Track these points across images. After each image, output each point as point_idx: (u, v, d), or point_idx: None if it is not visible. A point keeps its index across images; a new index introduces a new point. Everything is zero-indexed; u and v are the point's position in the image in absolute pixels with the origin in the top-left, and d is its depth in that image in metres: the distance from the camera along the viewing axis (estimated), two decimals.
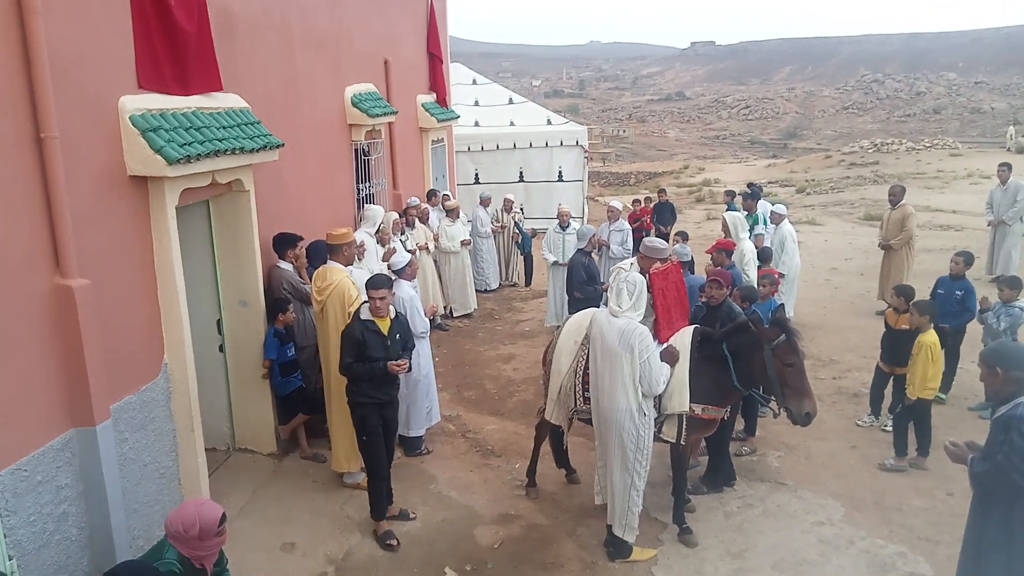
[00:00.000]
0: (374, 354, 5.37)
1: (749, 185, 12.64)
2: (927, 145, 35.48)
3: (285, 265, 6.81)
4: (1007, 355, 3.94)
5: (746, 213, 10.32)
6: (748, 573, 5.10)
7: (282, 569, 5.17)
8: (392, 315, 5.57)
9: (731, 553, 5.32)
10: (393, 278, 6.92)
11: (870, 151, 34.79)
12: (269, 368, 6.46)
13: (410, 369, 5.60)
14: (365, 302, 5.54)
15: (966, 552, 4.18)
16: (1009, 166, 11.78)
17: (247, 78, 6.36)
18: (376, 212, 8.63)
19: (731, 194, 12.80)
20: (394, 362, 5.36)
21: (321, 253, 6.56)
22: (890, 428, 6.81)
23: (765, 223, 10.30)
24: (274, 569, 5.16)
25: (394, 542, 5.46)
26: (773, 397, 5.26)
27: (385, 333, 5.44)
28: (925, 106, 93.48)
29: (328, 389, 6.22)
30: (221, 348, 6.43)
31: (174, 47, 5.09)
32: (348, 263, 6.37)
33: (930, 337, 6.36)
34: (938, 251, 13.55)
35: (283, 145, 6.20)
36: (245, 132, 5.76)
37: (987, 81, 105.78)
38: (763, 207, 11.06)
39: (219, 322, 6.38)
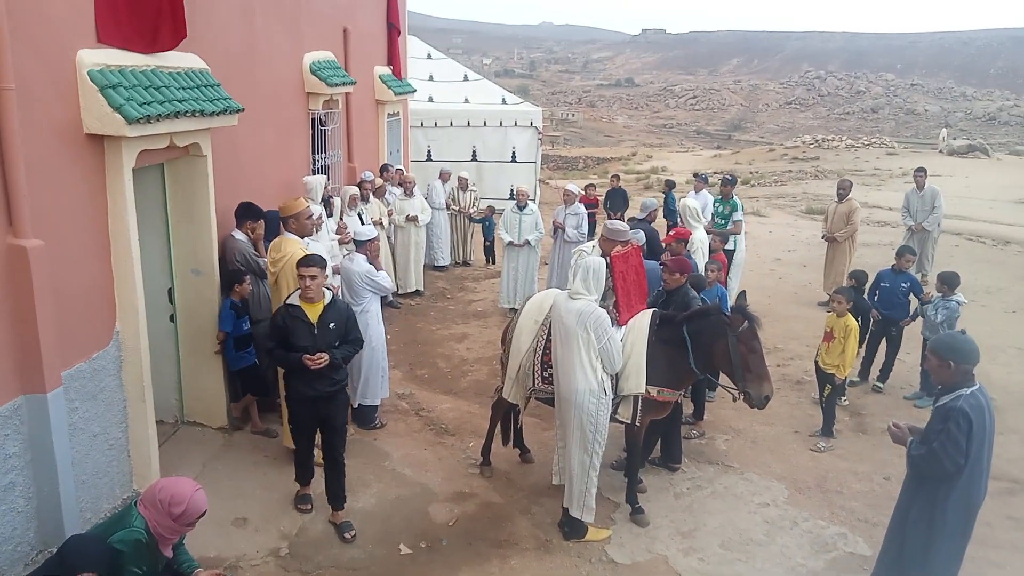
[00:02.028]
0: (298, 342, 4.89)
1: (708, 174, 12.74)
2: (865, 143, 36.66)
3: (240, 236, 6.62)
4: (959, 348, 4.14)
5: (722, 199, 10.46)
6: (697, 552, 5.24)
7: (234, 544, 5.08)
8: (327, 300, 5.07)
9: (681, 532, 5.46)
10: (346, 252, 6.85)
11: (811, 146, 35.77)
12: (223, 341, 6.30)
13: (334, 364, 5.02)
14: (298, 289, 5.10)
15: (893, 523, 4.48)
16: (924, 171, 12.12)
17: (205, 38, 6.12)
18: (314, 182, 8.00)
19: (671, 184, 12.85)
20: (309, 356, 4.84)
21: (275, 224, 6.41)
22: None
23: (734, 207, 10.39)
24: (226, 544, 5.07)
25: (351, 535, 5.22)
26: (733, 381, 5.40)
27: (313, 321, 4.95)
28: (864, 105, 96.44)
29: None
30: (172, 318, 6.25)
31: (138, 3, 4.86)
32: (303, 234, 6.18)
33: (852, 321, 6.84)
34: (876, 246, 14.05)
35: (243, 110, 6.02)
36: (205, 94, 5.57)
37: (922, 84, 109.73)
38: (705, 197, 11.19)
39: (171, 291, 6.19)
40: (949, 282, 7.52)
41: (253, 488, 5.75)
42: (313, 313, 4.97)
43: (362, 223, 8.67)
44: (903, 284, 7.85)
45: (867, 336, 7.91)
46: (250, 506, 5.51)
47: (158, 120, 4.77)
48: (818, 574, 5.03)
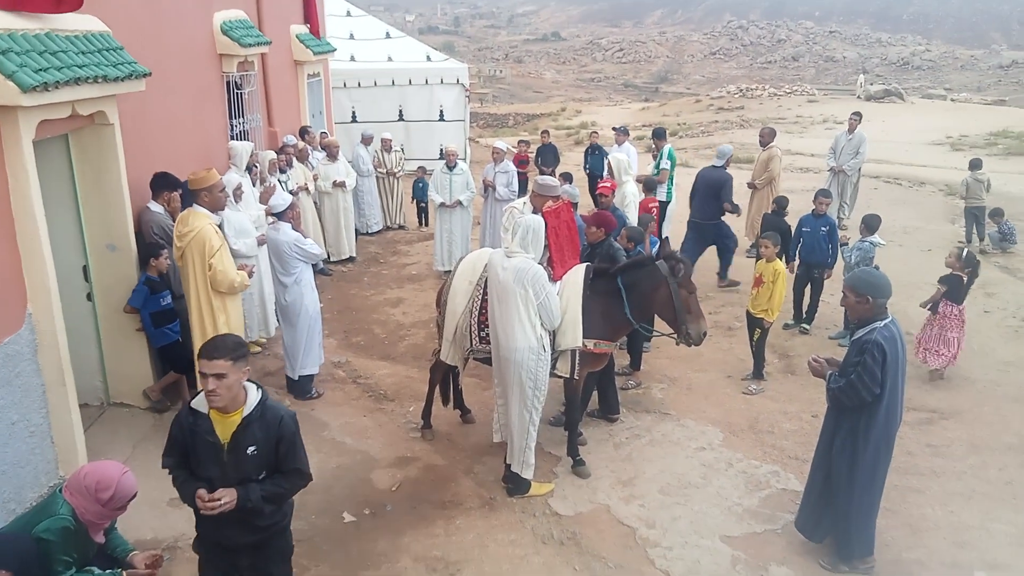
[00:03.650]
0: (201, 468, 3.31)
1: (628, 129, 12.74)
2: (787, 91, 37.39)
3: (156, 207, 6.35)
4: (874, 284, 4.35)
5: (654, 150, 10.56)
6: (638, 498, 5.37)
7: (171, 524, 4.96)
8: (249, 408, 3.32)
9: (622, 481, 5.58)
10: (271, 221, 6.63)
11: (736, 96, 36.28)
12: (137, 316, 6.04)
13: (249, 509, 3.36)
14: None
15: (817, 457, 4.71)
16: (859, 115, 12.49)
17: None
18: (239, 148, 7.80)
19: (625, 131, 12.74)
20: (207, 494, 3.23)
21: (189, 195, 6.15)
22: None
23: (672, 159, 10.46)
24: (162, 524, 4.95)
25: None
26: (672, 325, 5.56)
27: (224, 440, 3.28)
28: (785, 53, 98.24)
29: (193, 341, 5.79)
30: (89, 296, 5.97)
31: None
32: (215, 208, 5.87)
33: (780, 265, 7.04)
34: (799, 192, 14.37)
35: (150, 74, 5.71)
36: (107, 58, 5.26)
37: (840, 31, 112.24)
38: (627, 149, 11.25)
39: (85, 268, 5.90)
40: (869, 224, 7.80)
41: None
42: (224, 429, 3.29)
43: (284, 189, 8.42)
44: (823, 228, 8.09)
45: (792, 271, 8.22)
46: None
47: (56, 87, 4.49)
48: (753, 511, 5.22)
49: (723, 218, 9.80)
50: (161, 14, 6.80)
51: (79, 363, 5.57)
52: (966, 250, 7.50)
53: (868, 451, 4.40)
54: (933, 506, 5.28)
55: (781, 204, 8.87)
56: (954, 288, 7.15)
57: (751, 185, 11.03)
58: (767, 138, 11.01)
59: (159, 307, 6.10)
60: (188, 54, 7.43)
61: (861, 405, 4.34)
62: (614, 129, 12.79)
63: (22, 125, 4.46)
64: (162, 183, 6.27)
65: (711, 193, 9.73)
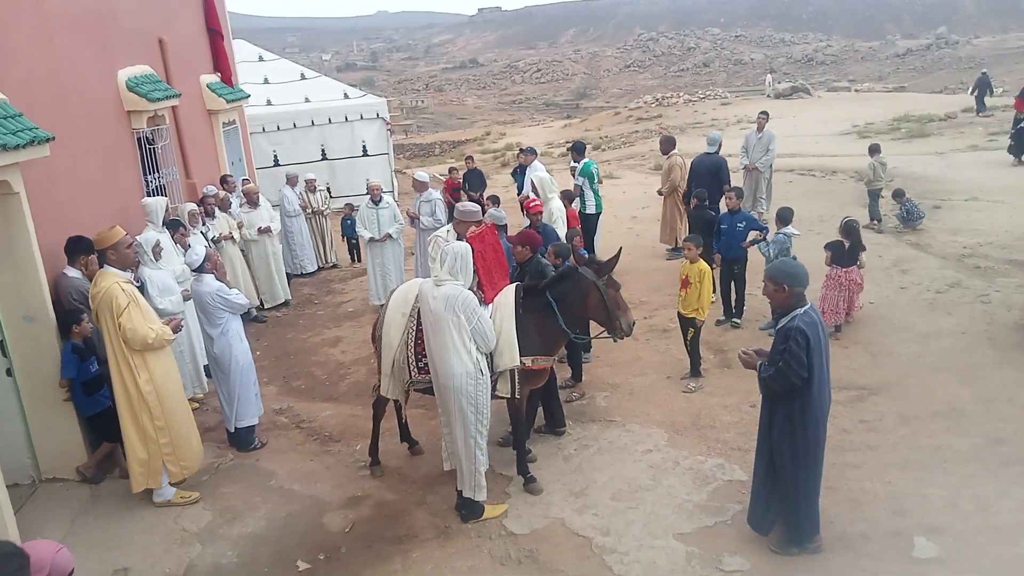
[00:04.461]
0: None
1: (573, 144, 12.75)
2: (701, 97, 38.55)
3: (73, 272, 6.17)
4: (792, 273, 4.55)
5: (575, 165, 10.78)
6: (591, 508, 5.42)
7: None
8: None
9: (574, 493, 5.63)
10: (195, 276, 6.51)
11: (653, 105, 37.21)
12: (69, 387, 5.86)
13: None
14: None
15: (759, 446, 4.85)
16: (767, 114, 13.00)
17: None
18: (153, 204, 7.60)
19: (532, 151, 12.92)
20: None
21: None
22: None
23: (586, 173, 10.60)
24: None
25: None
26: (605, 324, 5.74)
27: None
28: (696, 60, 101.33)
29: (116, 404, 5.63)
30: (9, 372, 5.75)
31: None
32: (125, 265, 5.70)
33: (704, 265, 7.27)
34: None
35: (53, 138, 5.59)
36: (5, 126, 5.14)
37: (745, 34, 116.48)
38: (535, 167, 11.41)
39: (2, 343, 5.69)
40: (783, 217, 8.11)
41: (131, 534, 5.43)
42: None
43: (206, 240, 8.30)
44: (739, 224, 8.37)
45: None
46: (130, 554, 5.20)
47: None
48: (703, 506, 5.33)
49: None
50: (60, 77, 6.67)
51: (5, 441, 5.39)
52: (845, 220, 8.40)
53: (807, 433, 4.55)
54: (871, 479, 5.48)
55: (701, 197, 9.25)
56: (836, 252, 8.12)
57: (659, 192, 11.40)
58: (666, 146, 11.43)
59: (89, 375, 5.93)
60: (93, 114, 7.29)
61: (792, 390, 4.50)
62: (521, 151, 13.03)
63: None
64: (76, 247, 6.11)
65: (711, 178, 10.44)
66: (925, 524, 4.92)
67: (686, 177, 11.20)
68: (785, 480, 4.68)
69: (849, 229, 8.17)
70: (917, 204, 11.73)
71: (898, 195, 11.66)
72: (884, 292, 9.06)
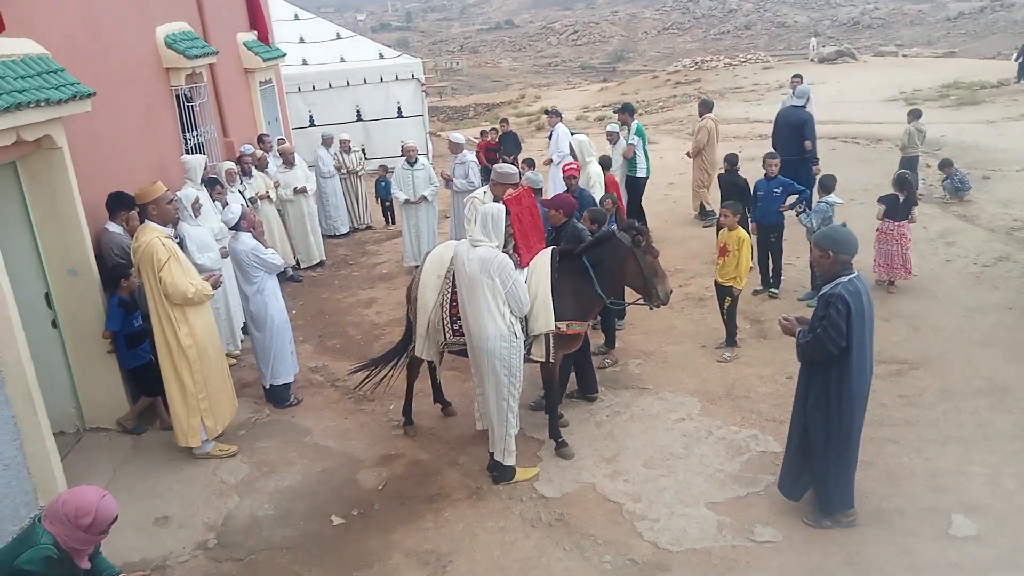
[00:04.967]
0: None
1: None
2: (742, 60, 37.65)
3: (115, 228, 6.26)
4: (838, 240, 4.45)
5: (622, 126, 10.72)
6: (622, 474, 5.43)
7: (160, 544, 4.94)
8: None
9: (605, 459, 5.63)
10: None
11: (692, 69, 36.46)
12: (112, 340, 5.98)
13: None
14: None
15: (794, 416, 4.80)
16: (800, 77, 12.67)
17: (40, 21, 5.65)
18: (192, 162, 7.59)
19: (557, 114, 12.73)
20: None
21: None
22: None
23: (641, 135, 10.60)
24: (151, 545, 4.92)
25: None
26: (642, 292, 5.69)
27: None
28: (737, 23, 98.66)
29: (159, 358, 5.73)
30: (54, 323, 5.88)
31: None
32: (165, 221, 5.77)
33: (743, 232, 7.14)
34: (758, 160, 14.54)
35: (94, 94, 5.62)
36: (48, 81, 5.16)
37: None
38: (560, 130, 11.39)
39: (48, 295, 5.81)
40: (825, 185, 7.93)
41: (170, 484, 5.57)
42: None
43: (243, 198, 8.35)
44: (776, 190, 8.19)
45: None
46: (170, 503, 5.35)
47: None
48: (735, 476, 5.30)
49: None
50: (101, 33, 6.69)
51: (50, 391, 5.50)
52: (898, 172, 8.51)
53: (842, 405, 4.48)
54: (909, 454, 5.39)
55: (732, 161, 9.15)
56: (890, 206, 8.16)
57: (688, 155, 11.40)
58: (701, 109, 11.49)
59: (133, 328, 6.04)
60: (133, 71, 7.31)
61: (829, 359, 4.42)
62: (546, 112, 12.88)
63: None
64: (118, 203, 6.18)
65: (793, 132, 10.39)
66: (964, 502, 4.84)
67: (713, 142, 11.15)
68: (817, 451, 4.62)
69: (903, 182, 8.21)
70: (966, 174, 11.37)
71: (945, 165, 11.31)
72: (929, 264, 8.83)
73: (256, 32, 11.60)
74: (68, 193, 5.64)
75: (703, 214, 11.32)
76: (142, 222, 5.71)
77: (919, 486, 5.04)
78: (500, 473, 5.41)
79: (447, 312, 5.66)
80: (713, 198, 10.63)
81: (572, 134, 11.00)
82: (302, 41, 16.95)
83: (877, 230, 8.23)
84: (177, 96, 8.39)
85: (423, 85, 17.27)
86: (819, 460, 4.61)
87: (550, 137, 13.25)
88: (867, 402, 4.62)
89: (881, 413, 5.86)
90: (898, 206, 8.13)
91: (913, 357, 6.80)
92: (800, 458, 4.73)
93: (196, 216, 6.97)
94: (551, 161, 11.12)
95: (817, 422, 4.58)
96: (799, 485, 4.79)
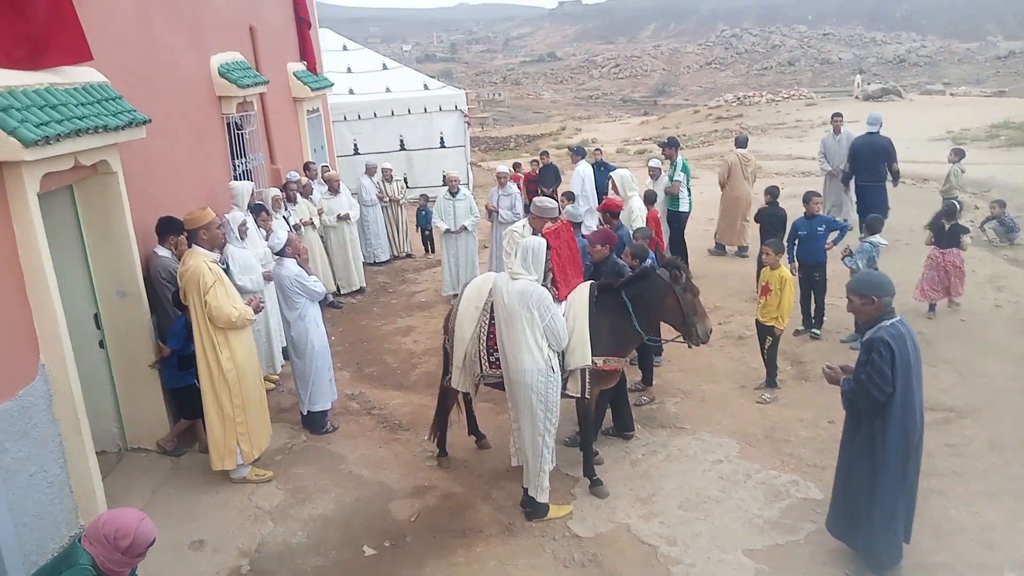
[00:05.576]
0: None
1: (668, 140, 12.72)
2: (785, 96, 37.46)
3: (163, 252, 6.40)
4: (878, 283, 4.38)
5: (665, 159, 10.85)
6: (657, 516, 5.33)
7: (194, 568, 4.96)
8: None
9: (640, 499, 5.54)
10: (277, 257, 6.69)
11: (734, 104, 36.39)
12: (166, 358, 6.09)
13: None
14: None
15: (840, 465, 4.67)
16: (841, 116, 12.47)
17: (102, 50, 5.84)
18: (240, 188, 7.89)
19: (580, 152, 12.74)
20: None
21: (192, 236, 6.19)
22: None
23: (686, 170, 10.66)
24: (185, 569, 4.95)
25: None
26: (680, 329, 5.62)
27: None
28: (780, 59, 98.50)
29: (200, 381, 5.82)
30: (102, 344, 6.02)
31: (21, 15, 4.59)
32: (214, 245, 5.95)
33: (786, 272, 7.06)
34: (800, 196, 14.38)
35: (150, 121, 5.80)
36: (107, 108, 5.34)
37: (834, 32, 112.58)
38: (584, 169, 11.42)
39: (96, 316, 5.96)
40: (871, 226, 7.81)
41: (207, 508, 5.62)
42: None
43: (287, 225, 8.50)
44: (818, 228, 8.08)
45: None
46: (205, 527, 5.39)
47: (58, 140, 4.56)
48: (774, 523, 5.17)
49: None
50: (158, 62, 6.92)
51: (95, 410, 5.61)
52: (945, 200, 8.77)
53: (888, 454, 4.33)
54: (957, 507, 5.21)
55: (773, 193, 9.08)
56: (937, 233, 8.40)
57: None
58: (735, 144, 11.76)
59: (188, 350, 6.11)
60: (187, 99, 7.54)
61: (874, 405, 4.30)
62: (571, 150, 12.93)
63: (26, 179, 4.53)
64: (168, 227, 6.34)
65: (875, 158, 10.89)
66: (1016, 559, 4.65)
67: (738, 178, 11.34)
68: (862, 502, 4.48)
69: (949, 210, 8.38)
70: (1016, 217, 11.10)
71: (999, 204, 11.06)
72: (977, 309, 8.61)
73: (306, 62, 11.90)
74: (121, 217, 5.80)
75: (720, 247, 11.59)
76: (190, 246, 5.84)
77: (968, 541, 4.86)
78: (533, 510, 5.35)
79: (484, 344, 5.66)
80: (752, 235, 10.51)
81: (613, 168, 11.04)
82: (349, 71, 17.34)
83: (927, 256, 8.44)
84: (228, 123, 8.61)
85: (466, 116, 17.49)
86: (864, 511, 4.47)
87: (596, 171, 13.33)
88: (920, 453, 4.46)
89: (927, 463, 5.63)
90: (944, 233, 8.26)
91: (960, 405, 6.60)
92: (845, 504, 4.59)
93: (243, 238, 7.13)
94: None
95: (862, 471, 4.44)
96: (847, 529, 4.64)
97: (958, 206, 8.59)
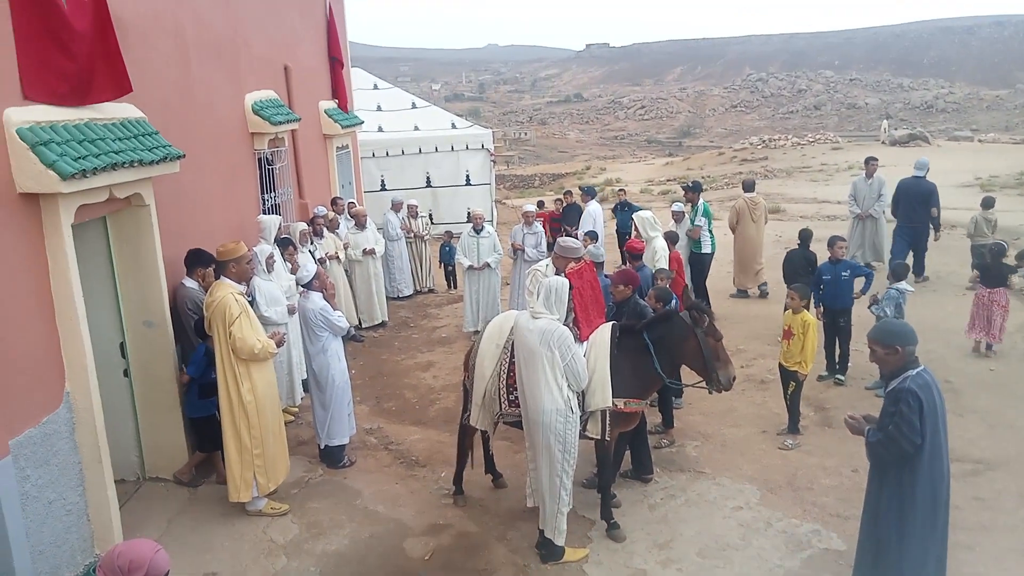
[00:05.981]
0: None
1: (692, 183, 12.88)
2: (810, 140, 37.52)
3: (191, 283, 6.51)
4: (901, 332, 4.29)
5: (687, 203, 10.90)
6: (675, 562, 5.23)
7: None
8: None
9: (658, 544, 5.45)
10: (302, 290, 6.78)
11: (759, 147, 36.47)
12: (186, 384, 6.15)
13: None
14: None
15: (866, 517, 4.54)
16: (876, 160, 12.55)
17: (141, 86, 6.01)
18: (268, 222, 8.03)
19: (591, 192, 12.83)
20: None
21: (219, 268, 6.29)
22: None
23: (707, 214, 10.74)
24: None
25: None
26: (702, 374, 5.57)
27: None
28: (806, 103, 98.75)
29: (220, 411, 5.86)
30: (126, 373, 6.10)
31: (66, 52, 4.76)
32: (242, 278, 6.05)
33: (809, 316, 7.02)
34: (824, 240, 14.29)
35: (183, 156, 5.95)
36: (143, 143, 5.49)
37: (860, 78, 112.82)
38: (594, 209, 11.69)
39: (122, 345, 6.05)
40: (897, 272, 7.74)
41: (222, 540, 5.61)
42: None
43: (313, 258, 8.60)
44: (843, 273, 8.02)
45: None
46: (220, 559, 5.38)
47: (94, 174, 4.69)
48: (795, 573, 5.05)
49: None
50: (195, 99, 7.11)
51: (115, 439, 5.67)
52: (990, 242, 8.91)
53: (917, 510, 4.21)
54: (986, 563, 5.06)
55: (804, 237, 9.10)
56: (983, 272, 8.65)
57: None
58: (743, 188, 11.98)
59: (209, 379, 6.18)
60: (221, 135, 7.72)
61: (903, 458, 4.20)
62: (581, 190, 13.02)
63: (62, 211, 4.65)
64: (196, 260, 6.45)
65: (920, 201, 11.29)
66: None
67: (747, 221, 11.43)
68: (890, 557, 4.36)
69: (996, 251, 8.63)
70: None
71: (1022, 256, 10.88)
72: (1006, 358, 8.45)
73: (337, 100, 12.15)
74: (151, 248, 5.92)
75: (741, 292, 11.65)
76: (218, 278, 5.94)
77: None
78: (549, 552, 5.28)
79: (504, 382, 5.65)
80: (776, 277, 10.44)
81: (637, 208, 11.10)
82: (379, 109, 17.65)
83: (975, 295, 8.67)
84: (259, 159, 8.79)
85: (492, 155, 17.69)
86: (892, 565, 4.34)
87: (615, 211, 13.47)
88: (948, 505, 4.35)
89: (955, 516, 5.47)
90: (990, 273, 8.49)
91: (989, 456, 6.45)
92: (871, 557, 4.47)
93: (269, 271, 7.23)
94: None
95: (891, 526, 4.31)
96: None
97: (1006, 246, 8.80)
